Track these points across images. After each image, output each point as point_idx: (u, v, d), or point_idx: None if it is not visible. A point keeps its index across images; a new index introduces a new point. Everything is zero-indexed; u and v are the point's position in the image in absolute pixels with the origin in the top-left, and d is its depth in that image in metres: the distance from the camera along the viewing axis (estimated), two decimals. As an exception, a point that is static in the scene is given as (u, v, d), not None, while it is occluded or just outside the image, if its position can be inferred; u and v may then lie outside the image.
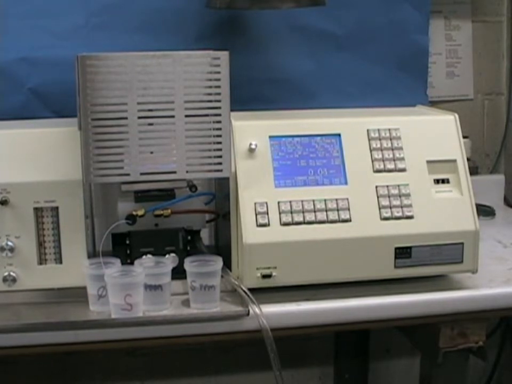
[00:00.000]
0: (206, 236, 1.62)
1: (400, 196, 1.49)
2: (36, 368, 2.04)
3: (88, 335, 1.36)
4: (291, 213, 1.45)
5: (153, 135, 1.37)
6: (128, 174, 1.38)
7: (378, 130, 1.53)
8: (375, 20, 1.99)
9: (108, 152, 1.36)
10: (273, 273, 1.43)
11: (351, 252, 1.46)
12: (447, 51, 2.15)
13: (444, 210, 1.50)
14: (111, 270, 1.36)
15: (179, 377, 2.16)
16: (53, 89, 1.78)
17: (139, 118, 1.36)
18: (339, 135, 1.53)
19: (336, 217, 1.46)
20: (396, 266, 1.48)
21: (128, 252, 1.49)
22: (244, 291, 1.39)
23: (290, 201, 1.45)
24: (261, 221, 1.43)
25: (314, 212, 1.46)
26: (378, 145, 1.52)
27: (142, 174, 1.38)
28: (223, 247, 1.57)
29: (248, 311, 1.37)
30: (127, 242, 1.49)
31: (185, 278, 1.40)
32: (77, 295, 1.40)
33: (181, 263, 1.41)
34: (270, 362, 1.36)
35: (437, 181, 1.53)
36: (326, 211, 1.46)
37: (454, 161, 1.54)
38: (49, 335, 1.35)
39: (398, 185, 1.50)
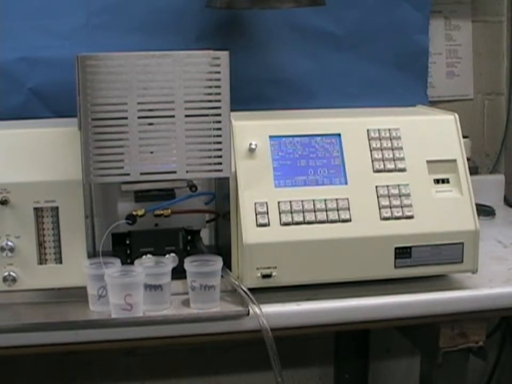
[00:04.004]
0: (206, 236, 1.62)
1: (400, 196, 1.49)
2: (35, 368, 2.04)
3: (88, 335, 1.36)
4: (291, 213, 1.45)
5: (153, 135, 1.37)
6: (128, 174, 1.38)
7: (378, 130, 1.53)
8: (375, 20, 1.99)
9: (108, 152, 1.36)
10: (273, 273, 1.43)
11: (351, 252, 1.46)
12: (447, 51, 2.15)
13: (444, 210, 1.50)
14: (111, 270, 1.36)
15: (179, 377, 2.16)
16: (53, 89, 1.78)
17: (139, 118, 1.36)
18: (339, 135, 1.53)
19: (336, 217, 1.46)
20: (396, 266, 1.48)
21: (128, 252, 1.49)
22: (244, 291, 1.39)
23: (290, 201, 1.45)
24: (261, 221, 1.43)
25: (314, 211, 1.46)
26: (378, 145, 1.52)
27: (142, 174, 1.38)
28: (223, 247, 1.57)
29: (248, 311, 1.37)
30: (127, 242, 1.49)
31: (185, 278, 1.40)
32: (77, 295, 1.40)
33: (181, 263, 1.41)
34: (270, 362, 1.36)
35: (437, 181, 1.53)
36: (326, 211, 1.46)
37: (454, 161, 1.54)
38: (49, 335, 1.35)
39: (398, 185, 1.50)
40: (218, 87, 1.38)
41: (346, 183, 1.49)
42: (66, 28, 1.80)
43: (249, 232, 1.42)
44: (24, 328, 1.34)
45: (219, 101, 1.38)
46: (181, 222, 1.50)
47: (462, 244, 1.50)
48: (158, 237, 1.49)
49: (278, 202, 1.45)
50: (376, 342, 2.23)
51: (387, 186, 1.50)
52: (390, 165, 1.51)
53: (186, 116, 1.37)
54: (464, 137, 1.59)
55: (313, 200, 1.46)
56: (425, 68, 2.07)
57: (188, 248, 1.52)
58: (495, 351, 2.25)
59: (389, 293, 1.47)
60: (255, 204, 1.44)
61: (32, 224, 1.40)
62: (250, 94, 1.88)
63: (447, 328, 1.52)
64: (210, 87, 1.38)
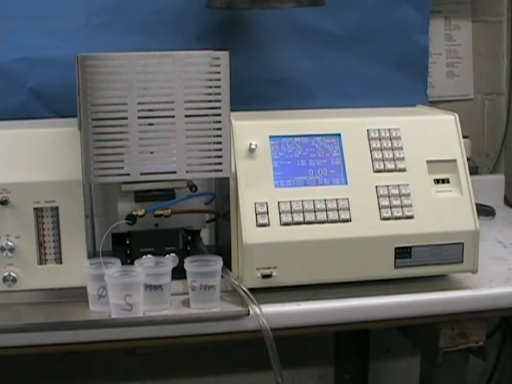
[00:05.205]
0: (206, 236, 1.62)
1: (400, 196, 1.49)
2: (35, 368, 2.04)
3: (88, 335, 1.36)
4: (291, 213, 1.45)
5: (153, 135, 1.37)
6: (128, 174, 1.38)
7: (378, 130, 1.53)
8: (375, 19, 1.99)
9: (108, 152, 1.36)
10: (273, 273, 1.43)
11: (351, 252, 1.46)
12: (447, 51, 2.15)
13: (444, 210, 1.50)
14: (111, 270, 1.36)
15: (179, 377, 2.16)
16: (53, 89, 1.78)
17: (139, 118, 1.36)
18: (339, 135, 1.53)
19: (336, 217, 1.46)
20: (396, 266, 1.48)
21: (128, 251, 1.49)
22: (244, 291, 1.39)
23: (290, 201, 1.45)
24: (261, 221, 1.43)
25: (314, 211, 1.46)
26: (378, 145, 1.52)
27: (142, 174, 1.38)
28: (223, 247, 1.57)
29: (248, 311, 1.37)
30: (127, 242, 1.49)
31: (185, 278, 1.40)
32: (77, 295, 1.40)
33: (181, 263, 1.41)
34: (270, 362, 1.36)
35: (437, 181, 1.53)
36: (326, 211, 1.46)
37: (454, 161, 1.54)
38: (49, 335, 1.35)
39: (398, 185, 1.50)
40: (218, 87, 1.38)
41: (346, 183, 1.49)
42: (66, 27, 1.80)
43: (249, 232, 1.42)
44: (24, 328, 1.34)
45: (219, 101, 1.38)
46: (181, 222, 1.50)
47: (462, 244, 1.50)
48: (158, 237, 1.49)
49: (278, 202, 1.45)
50: (376, 342, 2.23)
51: (387, 186, 1.50)
52: (390, 165, 1.51)
53: (186, 116, 1.37)
54: (464, 137, 1.59)
55: (313, 200, 1.46)
56: (425, 68, 2.07)
57: (188, 248, 1.52)
58: (495, 351, 2.25)
59: (389, 293, 1.47)
60: (255, 203, 1.44)
61: (32, 224, 1.40)
62: (250, 94, 1.88)
63: (447, 328, 1.52)
64: (210, 87, 1.38)
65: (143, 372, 2.14)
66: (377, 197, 1.49)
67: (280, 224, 1.44)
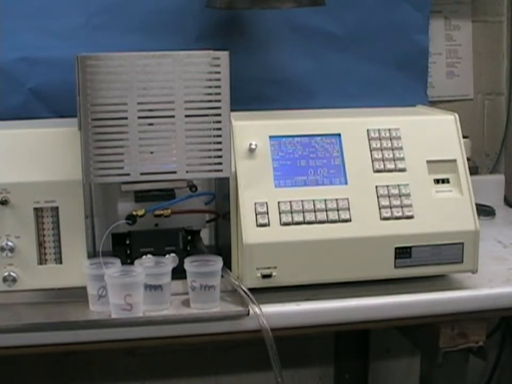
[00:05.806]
0: (206, 236, 1.62)
1: (400, 196, 1.49)
2: (35, 368, 2.04)
3: (88, 335, 1.36)
4: (291, 213, 1.45)
5: (153, 135, 1.37)
6: (128, 174, 1.38)
7: (378, 130, 1.53)
8: (375, 20, 1.99)
9: (108, 152, 1.36)
10: (273, 273, 1.43)
11: (351, 252, 1.46)
12: (447, 51, 2.15)
13: (444, 210, 1.50)
14: (111, 270, 1.36)
15: (179, 377, 2.16)
16: (53, 89, 1.78)
17: (139, 118, 1.36)
18: (339, 135, 1.53)
19: (336, 217, 1.46)
20: (396, 266, 1.48)
21: (128, 251, 1.49)
22: (244, 291, 1.39)
23: (290, 201, 1.45)
24: (261, 221, 1.43)
25: (314, 212, 1.46)
26: (378, 145, 1.52)
27: (142, 174, 1.38)
28: (223, 247, 1.57)
29: (248, 311, 1.37)
30: (127, 242, 1.49)
31: (185, 278, 1.40)
32: (77, 295, 1.40)
33: (181, 263, 1.41)
34: (270, 362, 1.36)
35: (437, 181, 1.53)
36: (326, 211, 1.46)
37: (454, 161, 1.54)
38: (49, 335, 1.35)
39: (398, 185, 1.50)
40: (218, 87, 1.38)
41: (346, 183, 1.49)
42: (66, 27, 1.80)
43: (249, 232, 1.42)
44: (24, 328, 1.34)
45: (219, 101, 1.38)
46: (181, 222, 1.50)
47: (462, 244, 1.50)
48: (158, 237, 1.49)
49: (278, 202, 1.45)
50: (376, 342, 2.23)
51: (387, 186, 1.50)
52: (390, 165, 1.51)
53: (186, 116, 1.38)
54: (464, 137, 1.59)
55: (313, 200, 1.46)
56: (425, 68, 2.07)
57: (188, 248, 1.52)
58: (495, 351, 2.25)
59: (389, 293, 1.47)
60: (255, 204, 1.44)
61: (32, 224, 1.40)
62: (250, 94, 1.88)
63: (447, 328, 1.52)
64: (210, 87, 1.38)
65: (143, 372, 2.14)
66: (377, 197, 1.49)
67: (280, 224, 1.44)
